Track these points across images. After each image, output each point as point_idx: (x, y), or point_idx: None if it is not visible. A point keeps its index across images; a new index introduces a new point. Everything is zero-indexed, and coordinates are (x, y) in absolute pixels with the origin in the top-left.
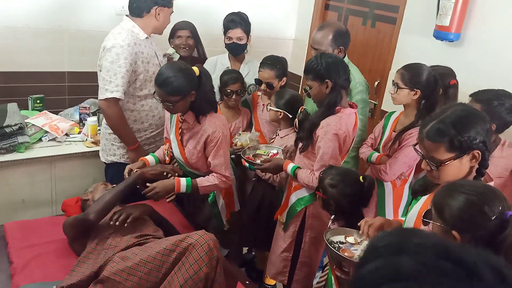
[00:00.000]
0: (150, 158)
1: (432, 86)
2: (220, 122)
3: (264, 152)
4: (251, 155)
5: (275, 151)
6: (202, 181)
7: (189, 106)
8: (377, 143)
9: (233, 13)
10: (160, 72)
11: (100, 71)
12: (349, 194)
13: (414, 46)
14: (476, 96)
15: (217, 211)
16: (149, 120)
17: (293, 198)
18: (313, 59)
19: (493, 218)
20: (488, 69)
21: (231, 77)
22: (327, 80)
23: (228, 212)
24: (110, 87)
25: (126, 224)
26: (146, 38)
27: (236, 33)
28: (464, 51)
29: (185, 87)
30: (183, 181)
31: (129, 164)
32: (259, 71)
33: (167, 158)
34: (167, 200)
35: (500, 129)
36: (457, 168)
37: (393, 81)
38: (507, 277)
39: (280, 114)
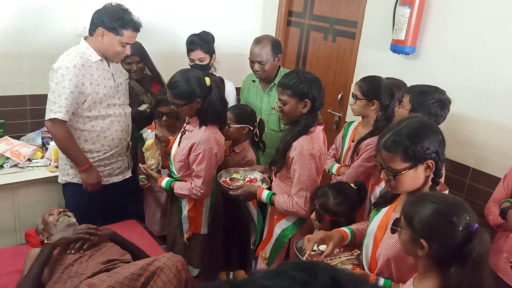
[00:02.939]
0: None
1: (388, 98)
2: (212, 139)
3: (241, 177)
4: (228, 179)
5: (253, 177)
6: (177, 187)
7: (195, 112)
8: (338, 154)
9: (194, 34)
10: (173, 75)
11: None
12: (354, 205)
13: (373, 59)
14: (409, 88)
15: (180, 217)
16: (101, 141)
17: (277, 230)
18: (294, 75)
19: (460, 228)
20: (443, 80)
21: (165, 98)
22: (306, 100)
23: (191, 231)
24: (54, 107)
25: (82, 251)
26: (101, 60)
27: (197, 55)
28: (420, 63)
29: (190, 93)
30: (164, 181)
31: (82, 184)
32: None
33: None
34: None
35: None
36: (413, 178)
37: (352, 92)
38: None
39: (244, 129)
